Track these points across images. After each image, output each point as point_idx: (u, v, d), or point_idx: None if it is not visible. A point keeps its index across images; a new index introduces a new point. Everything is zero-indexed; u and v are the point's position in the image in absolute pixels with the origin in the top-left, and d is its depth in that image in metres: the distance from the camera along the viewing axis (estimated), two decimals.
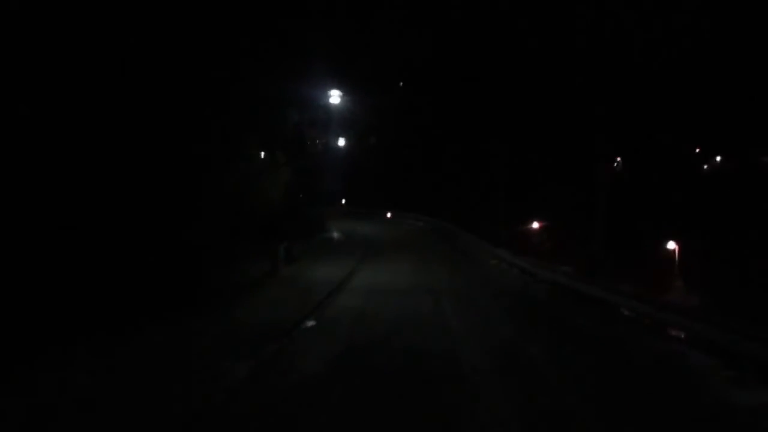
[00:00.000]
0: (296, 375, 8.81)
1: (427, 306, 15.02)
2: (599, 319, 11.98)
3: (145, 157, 13.51)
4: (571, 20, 26.68)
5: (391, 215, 50.75)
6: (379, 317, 13.56)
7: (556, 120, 33.47)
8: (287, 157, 25.84)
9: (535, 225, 30.69)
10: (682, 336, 9.40)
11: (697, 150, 52.01)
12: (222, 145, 18.03)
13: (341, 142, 40.76)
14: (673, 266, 22.43)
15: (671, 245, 22.80)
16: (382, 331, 11.98)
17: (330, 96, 29.72)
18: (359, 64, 35.06)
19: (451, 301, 15.75)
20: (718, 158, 53.61)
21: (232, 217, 18.66)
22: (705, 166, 53.59)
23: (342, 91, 30.36)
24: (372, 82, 41.68)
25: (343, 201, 57.57)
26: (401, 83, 50.56)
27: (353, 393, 7.78)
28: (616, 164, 42.31)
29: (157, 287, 12.84)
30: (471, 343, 10.88)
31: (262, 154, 24.75)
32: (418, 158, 50.93)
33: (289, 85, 24.28)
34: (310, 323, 12.88)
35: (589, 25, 25.01)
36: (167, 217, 14.36)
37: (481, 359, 9.62)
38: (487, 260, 25.37)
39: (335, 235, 35.64)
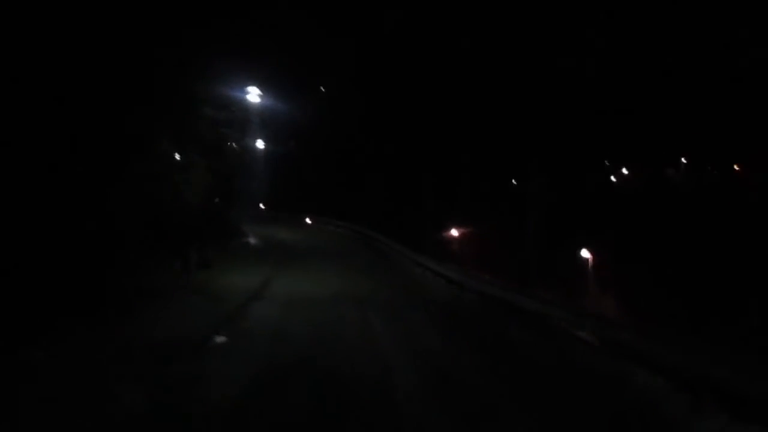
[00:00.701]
0: (202, 403, 7.60)
1: (352, 318, 13.96)
2: (535, 333, 11.41)
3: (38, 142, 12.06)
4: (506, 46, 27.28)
5: (312, 221, 49.46)
6: (300, 332, 12.38)
7: (483, 128, 33.61)
8: (203, 157, 24.29)
9: (455, 233, 30.37)
10: (626, 353, 8.85)
11: (606, 162, 55.37)
12: (130, 140, 16.50)
13: (261, 144, 39.36)
14: (589, 274, 22.60)
15: (585, 254, 22.93)
16: (304, 348, 10.84)
17: (248, 93, 28.29)
18: (281, 67, 33.93)
19: (378, 312, 14.75)
20: (624, 170, 57.44)
21: (141, 217, 17.11)
22: (613, 177, 56.92)
23: (261, 91, 29.02)
24: (294, 85, 40.62)
25: (262, 205, 55.75)
26: (323, 88, 49.67)
27: (269, 427, 6.71)
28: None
29: (45, 292, 11.27)
30: (402, 363, 9.95)
31: (177, 155, 23.07)
32: (341, 164, 50.01)
33: (204, 81, 22.80)
34: (221, 339, 11.61)
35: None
36: (61, 213, 12.77)
37: (413, 381, 8.72)
38: (412, 268, 24.68)
39: (254, 240, 34.17)
